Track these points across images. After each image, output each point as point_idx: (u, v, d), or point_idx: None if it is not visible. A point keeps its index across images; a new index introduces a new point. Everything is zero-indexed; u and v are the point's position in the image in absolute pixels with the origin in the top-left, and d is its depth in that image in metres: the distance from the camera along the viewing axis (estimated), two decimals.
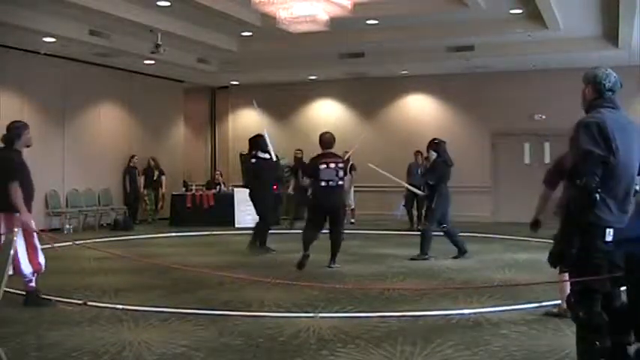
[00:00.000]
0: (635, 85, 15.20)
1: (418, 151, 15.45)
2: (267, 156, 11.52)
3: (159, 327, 6.00)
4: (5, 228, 6.59)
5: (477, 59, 15.59)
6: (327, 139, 9.67)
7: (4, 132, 6.89)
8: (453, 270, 9.34)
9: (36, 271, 6.84)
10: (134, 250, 11.84)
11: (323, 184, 9.25)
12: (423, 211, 14.97)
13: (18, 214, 6.59)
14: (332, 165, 9.31)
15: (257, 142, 11.68)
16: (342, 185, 9.48)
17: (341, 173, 9.38)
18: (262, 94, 19.75)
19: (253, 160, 11.55)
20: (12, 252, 4.28)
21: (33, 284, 6.84)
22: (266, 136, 11.72)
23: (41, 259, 6.85)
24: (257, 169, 11.50)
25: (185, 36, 13.71)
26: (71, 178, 15.38)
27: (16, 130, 6.87)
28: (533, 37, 13.86)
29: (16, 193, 6.58)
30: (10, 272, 6.35)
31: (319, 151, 9.64)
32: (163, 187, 17.37)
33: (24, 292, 6.85)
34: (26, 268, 6.73)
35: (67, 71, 15.34)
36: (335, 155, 9.61)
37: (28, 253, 6.73)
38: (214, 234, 14.57)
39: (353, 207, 17.31)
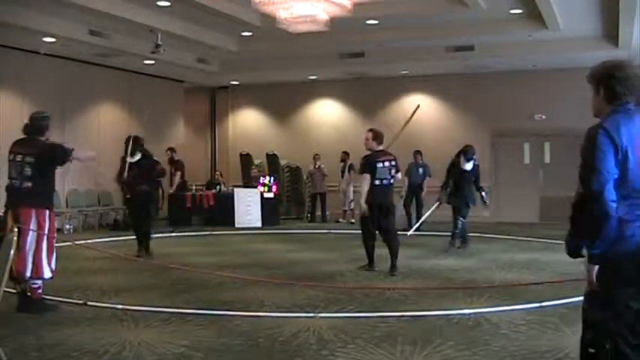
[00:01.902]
0: None
1: (417, 151, 15.45)
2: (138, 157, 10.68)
3: (159, 327, 6.00)
4: (35, 224, 6.43)
5: (477, 59, 15.60)
6: (381, 134, 9.24)
7: (27, 123, 6.76)
8: (453, 270, 9.34)
9: (52, 277, 6.64)
10: (134, 250, 11.83)
11: (377, 182, 8.89)
12: (423, 211, 15.09)
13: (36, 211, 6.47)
14: (386, 163, 9.00)
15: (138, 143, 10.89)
16: (392, 184, 9.13)
17: (393, 171, 9.07)
18: (262, 94, 19.85)
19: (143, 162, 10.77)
20: (12, 252, 4.25)
21: (41, 291, 6.64)
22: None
23: (54, 264, 6.66)
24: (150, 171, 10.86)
25: (185, 36, 13.72)
26: (71, 178, 15.37)
27: (45, 120, 6.77)
28: (533, 37, 13.87)
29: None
30: (28, 274, 6.38)
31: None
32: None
33: (28, 296, 6.57)
34: (47, 272, 6.52)
35: (67, 71, 15.34)
36: (387, 152, 9.20)
37: (47, 255, 6.52)
38: (214, 234, 14.56)
39: (353, 207, 17.34)
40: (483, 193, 11.39)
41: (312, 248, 11.93)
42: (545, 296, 6.93)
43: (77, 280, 8.43)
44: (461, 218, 11.13)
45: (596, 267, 3.23)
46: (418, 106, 10.64)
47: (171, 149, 16.23)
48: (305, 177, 18.24)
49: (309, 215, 17.87)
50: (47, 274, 6.54)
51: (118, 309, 6.70)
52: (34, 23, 12.16)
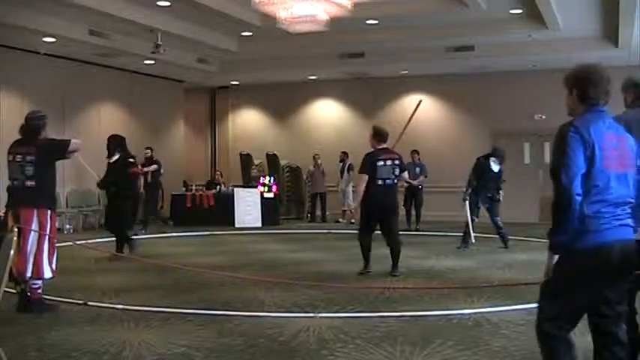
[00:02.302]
0: None
1: (414, 151, 15.47)
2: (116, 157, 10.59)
3: (159, 327, 6.00)
4: (37, 224, 6.42)
5: (477, 59, 15.60)
6: (385, 132, 8.92)
7: (23, 123, 6.79)
8: (453, 270, 9.34)
9: (53, 277, 6.63)
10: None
11: (379, 182, 8.56)
12: (421, 210, 15.11)
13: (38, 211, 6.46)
14: (389, 162, 8.65)
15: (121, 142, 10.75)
16: (396, 184, 8.85)
17: (397, 171, 8.72)
18: (262, 94, 19.84)
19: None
20: (12, 252, 4.25)
21: (41, 291, 6.62)
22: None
23: (55, 264, 6.64)
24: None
25: (185, 36, 13.72)
26: (71, 178, 15.37)
27: (41, 119, 6.79)
28: (533, 37, 13.87)
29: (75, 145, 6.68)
30: (29, 274, 6.38)
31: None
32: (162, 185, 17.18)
33: (28, 297, 6.55)
34: (47, 272, 6.51)
35: (67, 71, 15.35)
36: (390, 151, 8.89)
37: (48, 256, 6.51)
38: (214, 234, 14.56)
39: (352, 207, 17.33)
40: (501, 192, 11.65)
41: (312, 248, 11.93)
42: None
43: (77, 280, 8.43)
44: (496, 218, 11.42)
45: (556, 256, 3.36)
46: (420, 101, 10.59)
47: (150, 148, 15.84)
48: (305, 177, 18.25)
49: (309, 215, 17.88)
50: (48, 274, 6.53)
51: (118, 309, 6.70)
52: (34, 23, 12.16)
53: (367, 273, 8.76)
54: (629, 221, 3.39)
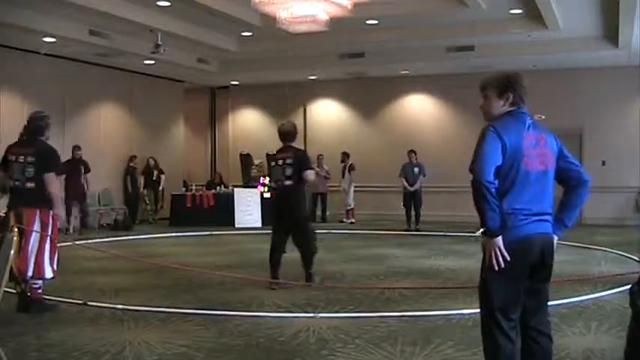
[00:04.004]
0: (635, 85, 15.23)
1: (412, 151, 15.48)
2: None
3: (159, 327, 6.00)
4: (40, 224, 6.41)
5: (477, 59, 15.59)
6: (283, 131, 8.19)
7: (26, 124, 6.75)
8: (453, 270, 9.35)
9: (54, 277, 6.62)
10: (134, 250, 11.84)
11: (273, 185, 8.08)
12: (421, 210, 15.10)
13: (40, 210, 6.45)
14: (280, 162, 7.92)
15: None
16: (289, 185, 7.85)
17: (289, 171, 7.82)
18: (262, 94, 19.83)
19: None
20: (12, 252, 4.25)
21: (41, 291, 6.61)
22: None
23: (55, 264, 6.63)
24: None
25: (185, 36, 13.71)
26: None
27: (44, 119, 6.74)
28: (533, 37, 13.87)
29: (56, 185, 6.52)
30: (30, 273, 6.37)
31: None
32: (161, 185, 17.31)
33: (28, 297, 6.53)
34: (49, 272, 6.51)
35: (67, 71, 15.34)
36: (287, 150, 8.04)
37: (50, 256, 6.50)
38: (214, 234, 14.57)
39: (352, 207, 17.36)
40: None
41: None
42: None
43: (77, 280, 8.43)
44: None
45: (496, 240, 3.46)
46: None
47: (77, 147, 14.60)
48: None
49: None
50: (49, 274, 6.53)
51: (118, 309, 6.70)
52: (34, 23, 12.15)
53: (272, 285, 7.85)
54: (549, 217, 3.60)
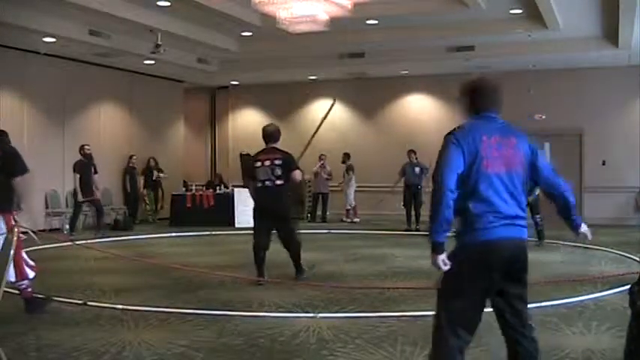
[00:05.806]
0: (635, 85, 15.22)
1: (411, 150, 15.48)
2: None
3: (159, 327, 6.00)
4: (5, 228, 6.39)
5: (477, 59, 15.60)
6: (268, 132, 8.38)
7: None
8: None
9: (35, 273, 6.59)
10: (134, 250, 11.84)
11: (259, 184, 8.16)
12: (421, 210, 15.08)
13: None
14: (267, 162, 8.13)
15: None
16: (281, 185, 8.14)
17: (278, 171, 8.09)
18: (262, 94, 19.83)
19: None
20: (12, 252, 4.25)
21: (30, 289, 6.59)
22: None
23: (30, 261, 6.58)
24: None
25: (185, 36, 13.72)
26: (71, 178, 15.34)
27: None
28: (533, 37, 13.87)
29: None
30: (12, 279, 6.35)
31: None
32: (161, 177, 17.25)
33: (24, 299, 6.52)
34: (30, 272, 6.51)
35: (67, 71, 15.34)
36: (272, 151, 8.27)
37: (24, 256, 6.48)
38: (214, 234, 14.56)
39: (353, 205, 17.37)
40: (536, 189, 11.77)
41: (312, 248, 11.91)
42: (545, 296, 6.92)
43: (77, 280, 8.43)
44: (537, 216, 11.62)
45: (440, 256, 3.51)
46: (334, 100, 10.30)
47: (86, 145, 14.41)
48: (308, 177, 18.25)
49: (309, 215, 17.88)
50: (31, 273, 6.53)
51: (118, 309, 6.70)
52: (34, 23, 12.15)
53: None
54: (521, 221, 3.65)
